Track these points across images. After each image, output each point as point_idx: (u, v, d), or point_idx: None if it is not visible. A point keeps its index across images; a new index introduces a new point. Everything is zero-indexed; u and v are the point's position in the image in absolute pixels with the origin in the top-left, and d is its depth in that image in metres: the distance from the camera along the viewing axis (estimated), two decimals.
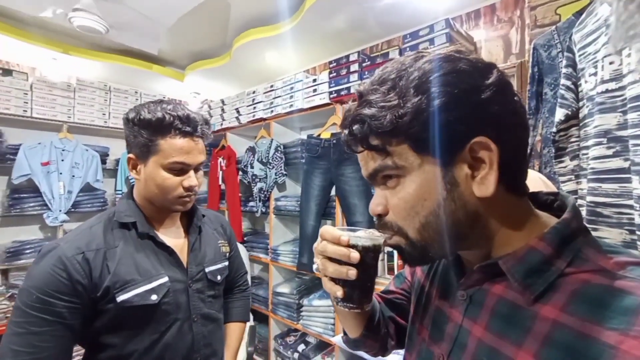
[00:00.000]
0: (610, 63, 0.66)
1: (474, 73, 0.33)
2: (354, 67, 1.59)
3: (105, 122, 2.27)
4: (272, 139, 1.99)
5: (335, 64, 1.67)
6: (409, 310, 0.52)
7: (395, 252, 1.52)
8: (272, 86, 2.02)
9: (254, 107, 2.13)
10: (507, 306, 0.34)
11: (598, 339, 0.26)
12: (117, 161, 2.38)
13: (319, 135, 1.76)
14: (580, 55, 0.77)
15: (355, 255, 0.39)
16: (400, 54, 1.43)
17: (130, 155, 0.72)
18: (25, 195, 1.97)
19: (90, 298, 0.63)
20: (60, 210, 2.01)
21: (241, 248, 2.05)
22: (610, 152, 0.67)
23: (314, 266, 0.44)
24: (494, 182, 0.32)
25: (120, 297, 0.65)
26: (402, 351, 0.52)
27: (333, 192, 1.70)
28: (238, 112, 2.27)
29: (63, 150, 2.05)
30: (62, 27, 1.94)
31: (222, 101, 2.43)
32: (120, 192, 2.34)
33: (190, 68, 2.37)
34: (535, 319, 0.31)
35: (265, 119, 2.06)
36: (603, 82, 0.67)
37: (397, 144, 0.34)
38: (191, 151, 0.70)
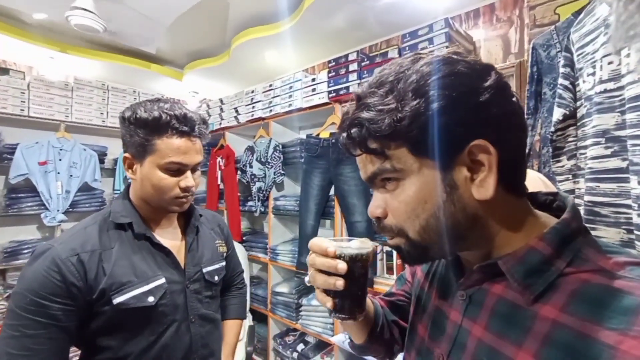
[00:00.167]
0: (609, 63, 0.66)
1: (472, 75, 0.33)
2: (353, 66, 1.59)
3: (103, 121, 2.27)
4: (271, 139, 1.98)
5: (334, 64, 1.67)
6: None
7: (395, 252, 1.52)
8: (271, 85, 2.02)
9: (253, 107, 2.13)
10: (507, 306, 0.34)
11: (597, 339, 0.26)
12: (115, 161, 2.37)
13: (318, 134, 1.75)
14: (578, 55, 0.77)
15: (342, 266, 0.39)
16: (400, 53, 1.43)
17: (126, 154, 0.71)
18: (22, 195, 1.96)
19: (86, 300, 0.62)
20: (58, 210, 2.01)
21: (240, 248, 2.05)
22: (608, 152, 0.67)
23: (306, 278, 0.45)
24: (493, 184, 0.32)
25: (117, 300, 0.64)
26: None
27: (332, 191, 1.70)
28: (237, 111, 2.26)
29: (61, 149, 2.04)
30: (60, 25, 1.94)
31: (221, 100, 2.42)
32: (118, 192, 2.33)
33: (188, 67, 2.37)
34: (535, 319, 0.31)
35: (264, 119, 2.05)
36: (601, 82, 0.67)
37: (396, 147, 0.34)
38: (188, 151, 0.69)
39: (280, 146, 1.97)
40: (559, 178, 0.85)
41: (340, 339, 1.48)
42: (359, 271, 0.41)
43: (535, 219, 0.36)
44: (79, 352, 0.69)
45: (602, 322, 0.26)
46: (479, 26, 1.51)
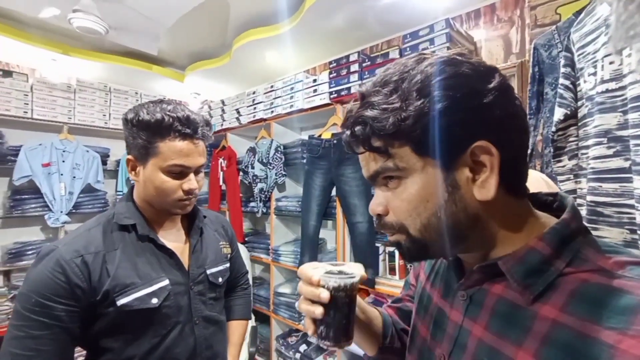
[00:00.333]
0: (611, 63, 0.66)
1: (476, 77, 0.33)
2: (354, 67, 1.59)
3: (106, 123, 2.28)
4: (272, 140, 1.99)
5: (335, 64, 1.67)
6: None
7: (397, 253, 1.52)
8: (272, 86, 2.02)
9: (254, 108, 2.14)
10: (507, 306, 0.34)
11: (597, 338, 0.26)
12: (118, 162, 2.38)
13: (320, 135, 1.76)
14: (579, 55, 0.77)
15: (324, 296, 0.40)
16: (400, 54, 1.43)
17: (130, 156, 0.70)
18: (26, 196, 1.97)
19: (90, 302, 0.62)
20: (61, 212, 2.02)
21: (242, 248, 2.05)
22: (610, 151, 0.66)
23: (297, 304, 0.46)
24: (494, 185, 0.33)
25: (120, 301, 0.64)
26: None
27: (334, 192, 1.70)
28: (238, 112, 2.27)
29: (64, 151, 2.05)
30: (62, 28, 1.95)
31: (223, 102, 2.43)
32: (121, 193, 2.34)
33: (190, 68, 2.37)
34: (534, 319, 0.31)
35: (265, 120, 2.06)
36: (603, 81, 0.67)
37: (399, 146, 0.34)
38: (191, 154, 0.69)
39: (282, 147, 1.98)
40: (560, 178, 0.85)
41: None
42: (343, 301, 0.41)
43: (535, 219, 0.36)
44: (84, 353, 0.69)
45: (602, 321, 0.27)
46: (479, 26, 1.51)
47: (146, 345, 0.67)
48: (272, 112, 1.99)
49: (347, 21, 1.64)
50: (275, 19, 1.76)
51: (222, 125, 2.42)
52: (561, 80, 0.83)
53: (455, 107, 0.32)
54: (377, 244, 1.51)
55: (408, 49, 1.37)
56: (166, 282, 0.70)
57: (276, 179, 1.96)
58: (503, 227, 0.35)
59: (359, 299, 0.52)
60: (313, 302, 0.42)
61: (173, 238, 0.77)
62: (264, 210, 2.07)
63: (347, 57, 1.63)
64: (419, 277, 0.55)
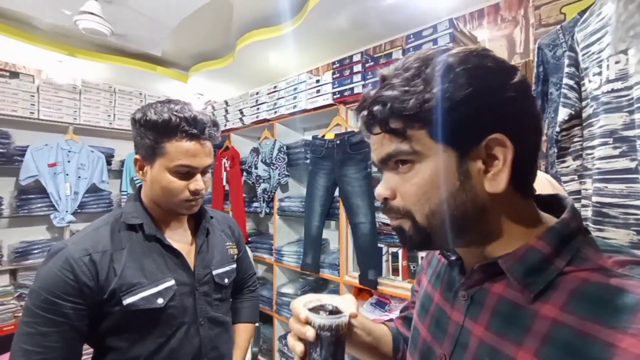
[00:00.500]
0: (616, 62, 0.65)
1: (499, 71, 0.34)
2: (357, 67, 1.59)
3: (110, 123, 2.30)
4: (276, 140, 1.99)
5: (338, 65, 1.67)
6: None
7: (400, 252, 1.50)
8: (275, 87, 2.03)
9: (258, 108, 2.14)
10: (508, 305, 0.34)
11: (597, 337, 0.26)
12: (122, 162, 2.40)
13: (323, 136, 1.76)
14: (583, 55, 0.77)
15: (310, 334, 0.41)
16: (404, 54, 1.43)
17: (137, 156, 0.71)
18: (32, 196, 2.00)
19: (97, 300, 0.63)
20: (66, 211, 2.04)
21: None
22: (616, 152, 0.66)
23: (288, 337, 0.47)
24: (505, 179, 0.33)
25: (127, 300, 0.64)
26: None
27: (337, 193, 1.71)
28: (242, 113, 2.28)
29: (69, 151, 2.08)
30: (67, 29, 1.97)
31: (226, 102, 2.44)
32: (125, 193, 2.36)
33: (193, 69, 2.39)
34: (535, 318, 0.31)
35: (268, 120, 2.06)
36: (608, 81, 0.67)
37: (417, 128, 0.34)
38: (198, 154, 0.68)
39: (285, 147, 1.98)
40: (564, 179, 0.85)
41: None
42: (329, 340, 0.41)
43: (538, 219, 0.37)
44: (91, 351, 0.70)
45: (602, 320, 0.27)
46: (483, 26, 1.50)
47: (152, 345, 0.67)
48: (276, 112, 1.99)
49: (350, 22, 1.64)
50: (279, 19, 1.77)
51: (225, 125, 2.42)
52: (565, 80, 0.83)
53: (477, 96, 0.32)
54: (380, 245, 1.51)
55: (411, 49, 1.37)
56: (172, 282, 0.70)
57: (279, 179, 1.97)
58: (507, 223, 0.36)
59: (365, 320, 0.52)
60: (300, 338, 0.42)
61: (180, 238, 0.77)
62: (267, 211, 2.08)
63: (350, 57, 1.63)
64: (421, 282, 0.55)
